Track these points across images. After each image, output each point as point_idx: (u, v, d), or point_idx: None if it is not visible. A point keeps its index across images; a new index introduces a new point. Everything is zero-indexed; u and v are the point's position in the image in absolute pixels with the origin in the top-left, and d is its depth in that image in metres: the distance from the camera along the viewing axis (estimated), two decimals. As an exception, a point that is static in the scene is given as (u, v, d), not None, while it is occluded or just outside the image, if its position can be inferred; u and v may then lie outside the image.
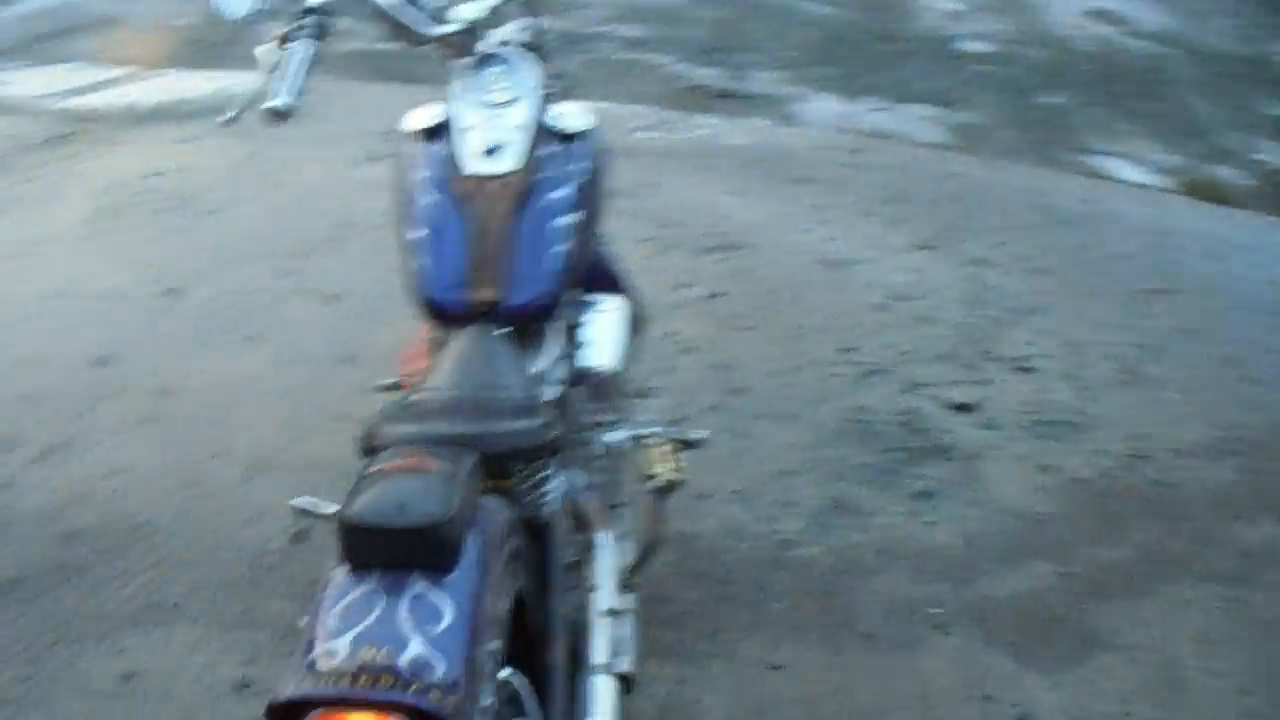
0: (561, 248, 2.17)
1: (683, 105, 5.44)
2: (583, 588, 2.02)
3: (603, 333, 2.30)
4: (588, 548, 2.08)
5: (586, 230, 2.23)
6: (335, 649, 1.39)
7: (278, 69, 1.96)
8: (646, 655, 2.49)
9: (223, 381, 3.40)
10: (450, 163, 2.22)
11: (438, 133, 2.26)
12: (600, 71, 5.82)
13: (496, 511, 1.73)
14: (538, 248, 2.17)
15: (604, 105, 5.29)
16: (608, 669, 1.87)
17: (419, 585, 1.46)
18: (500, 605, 1.58)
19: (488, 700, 1.46)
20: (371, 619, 1.42)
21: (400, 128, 2.31)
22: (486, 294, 2.14)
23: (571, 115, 2.27)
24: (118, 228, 4.38)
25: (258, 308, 3.81)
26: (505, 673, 1.59)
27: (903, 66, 6.20)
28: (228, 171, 4.79)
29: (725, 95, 5.58)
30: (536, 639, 1.83)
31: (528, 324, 2.16)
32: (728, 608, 2.64)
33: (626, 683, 2.19)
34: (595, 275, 2.80)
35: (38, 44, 6.48)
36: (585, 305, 2.37)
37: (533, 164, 2.21)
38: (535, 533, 1.94)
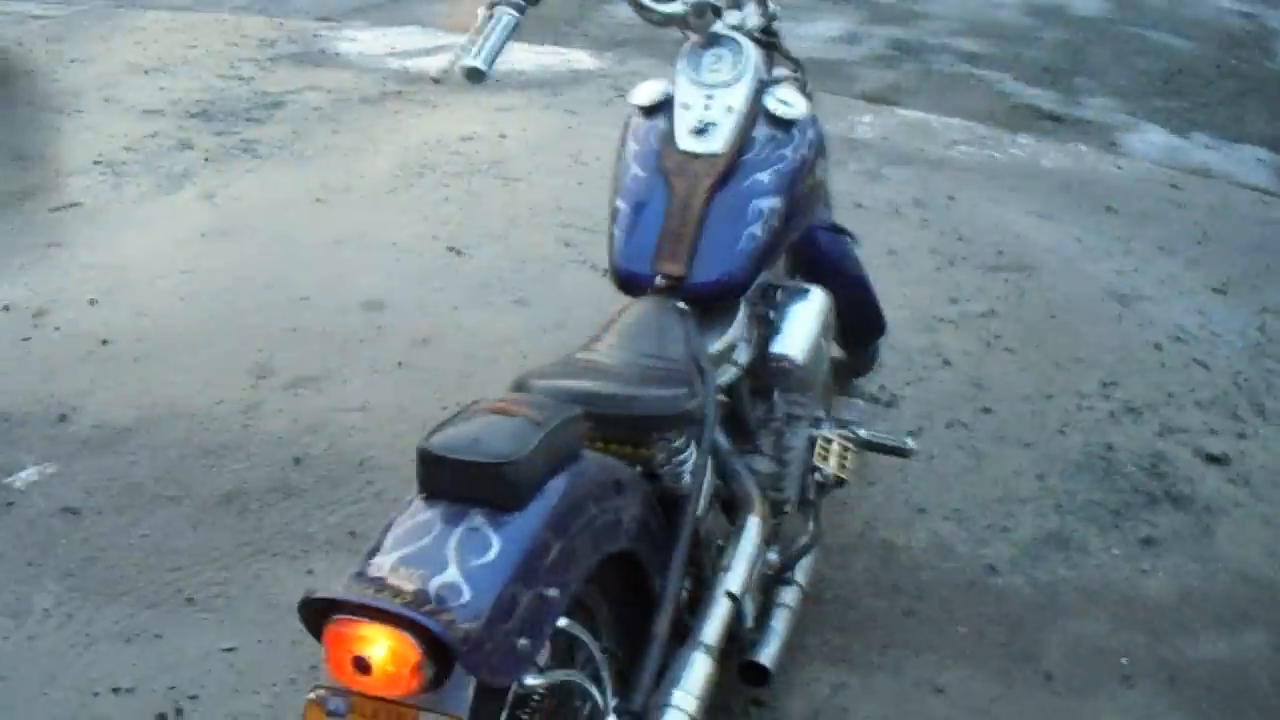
0: (755, 230, 2.20)
1: (1006, 123, 5.30)
2: (718, 568, 2.06)
3: (796, 323, 2.32)
4: (738, 531, 2.11)
5: (785, 216, 2.25)
6: (379, 564, 1.46)
7: (481, 32, 2.07)
8: (813, 657, 2.51)
9: (480, 339, 3.61)
10: (663, 138, 2.29)
11: (660, 108, 2.34)
12: (931, 83, 5.75)
13: (604, 470, 1.77)
14: (730, 228, 2.21)
15: (926, 116, 5.26)
16: (709, 649, 1.90)
17: (477, 519, 1.51)
18: (570, 555, 1.59)
19: (522, 640, 1.47)
20: (422, 543, 1.49)
21: (629, 101, 2.40)
22: (672, 268, 2.19)
23: (789, 102, 2.29)
24: (418, 185, 4.68)
25: (532, 275, 4.00)
26: (564, 623, 1.61)
27: (1243, 105, 5.83)
28: (537, 142, 5.04)
29: (1052, 118, 5.39)
30: (652, 607, 1.87)
31: (711, 302, 2.22)
32: (909, 623, 2.60)
33: (756, 674, 2.20)
34: (823, 267, 2.82)
35: (377, 8, 6.99)
36: (788, 293, 2.39)
37: (740, 146, 2.25)
38: (669, 503, 1.98)
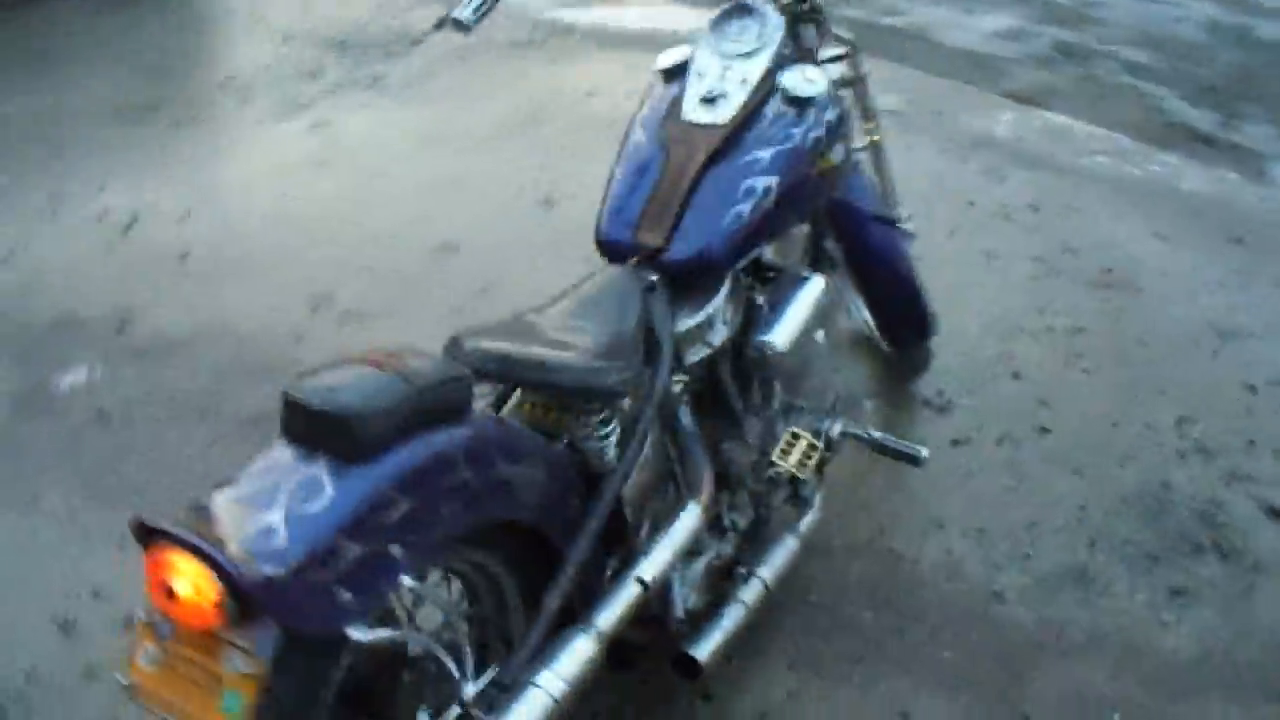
0: (742, 209, 2.07)
1: (1154, 140, 4.93)
2: (640, 550, 1.93)
3: (785, 310, 2.17)
4: (671, 516, 1.97)
5: (781, 198, 2.11)
6: (218, 497, 1.44)
7: None
8: (779, 659, 2.36)
9: (544, 292, 3.49)
10: (673, 104, 2.18)
11: (677, 73, 2.22)
12: (1086, 89, 5.40)
13: (493, 435, 1.70)
14: (716, 204, 2.08)
15: (1071, 122, 4.95)
16: (598, 633, 1.77)
17: (320, 468, 1.47)
18: (426, 516, 1.54)
19: (345, 594, 1.43)
20: (262, 484, 1.46)
21: (654, 65, 2.29)
22: (652, 239, 2.08)
23: (806, 80, 2.16)
24: (528, 135, 4.59)
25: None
26: (410, 583, 1.53)
27: None
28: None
29: (1205, 140, 4.99)
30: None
31: (688, 278, 2.08)
32: (892, 640, 2.43)
33: (689, 666, 2.08)
34: (870, 260, 2.67)
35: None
36: (785, 278, 2.24)
37: (745, 120, 2.12)
38: (589, 479, 1.88)
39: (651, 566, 1.87)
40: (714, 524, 2.21)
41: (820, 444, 2.21)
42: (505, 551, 1.81)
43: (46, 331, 3.48)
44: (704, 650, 2.09)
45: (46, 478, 2.94)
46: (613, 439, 1.90)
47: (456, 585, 1.89)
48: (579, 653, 1.73)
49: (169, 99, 4.97)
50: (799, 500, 2.29)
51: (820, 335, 2.25)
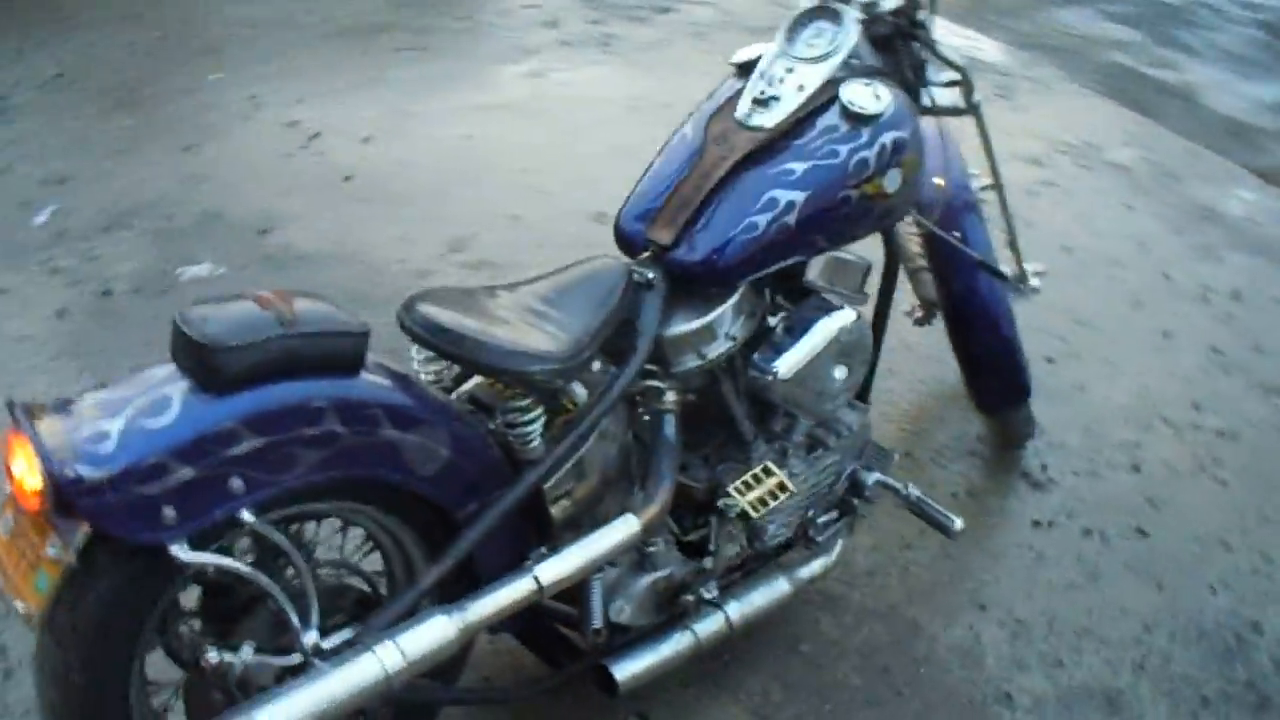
0: (758, 220, 1.94)
1: None
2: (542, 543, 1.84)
3: (796, 336, 2.01)
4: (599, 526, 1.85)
5: (807, 217, 1.96)
6: (89, 396, 1.54)
7: None
8: (738, 698, 2.21)
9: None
10: (728, 102, 2.06)
11: (748, 69, 2.08)
12: None
13: (390, 396, 1.67)
14: (735, 210, 1.96)
15: None
16: (461, 621, 1.67)
17: (176, 389, 1.52)
18: (276, 457, 1.56)
19: (168, 509, 1.47)
20: (123, 392, 1.53)
21: (730, 59, 2.16)
22: (662, 236, 1.98)
23: (871, 96, 2.00)
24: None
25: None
26: (251, 519, 1.54)
27: None
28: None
29: None
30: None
31: (691, 283, 1.94)
32: (866, 711, 2.22)
33: (608, 680, 1.98)
34: (971, 311, 2.61)
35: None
36: (811, 303, 2.07)
37: (792, 127, 1.97)
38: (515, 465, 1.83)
39: (552, 568, 1.76)
40: (687, 545, 2.08)
41: (790, 491, 2.03)
42: (406, 517, 1.77)
43: (194, 222, 3.60)
44: (625, 669, 1.96)
45: (146, 351, 3.03)
46: (536, 429, 1.80)
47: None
48: (432, 632, 1.64)
49: (400, 25, 5.08)
50: (756, 538, 2.11)
51: (841, 372, 2.07)
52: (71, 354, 3.02)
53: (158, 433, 1.47)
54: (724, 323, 1.98)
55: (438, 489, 1.73)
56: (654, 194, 1.99)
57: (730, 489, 1.99)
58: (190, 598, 1.72)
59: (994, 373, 2.67)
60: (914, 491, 2.31)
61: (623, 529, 1.84)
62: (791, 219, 1.93)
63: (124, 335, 3.09)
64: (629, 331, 1.90)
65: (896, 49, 2.17)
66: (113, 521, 1.45)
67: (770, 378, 1.98)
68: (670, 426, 1.97)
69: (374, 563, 1.88)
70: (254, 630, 1.67)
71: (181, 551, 1.50)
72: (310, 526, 1.78)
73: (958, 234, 2.43)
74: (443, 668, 1.80)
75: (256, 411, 1.53)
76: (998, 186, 2.47)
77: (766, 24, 5.22)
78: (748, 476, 2.02)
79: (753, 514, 1.98)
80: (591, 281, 1.90)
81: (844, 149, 1.96)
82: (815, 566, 2.24)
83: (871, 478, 2.27)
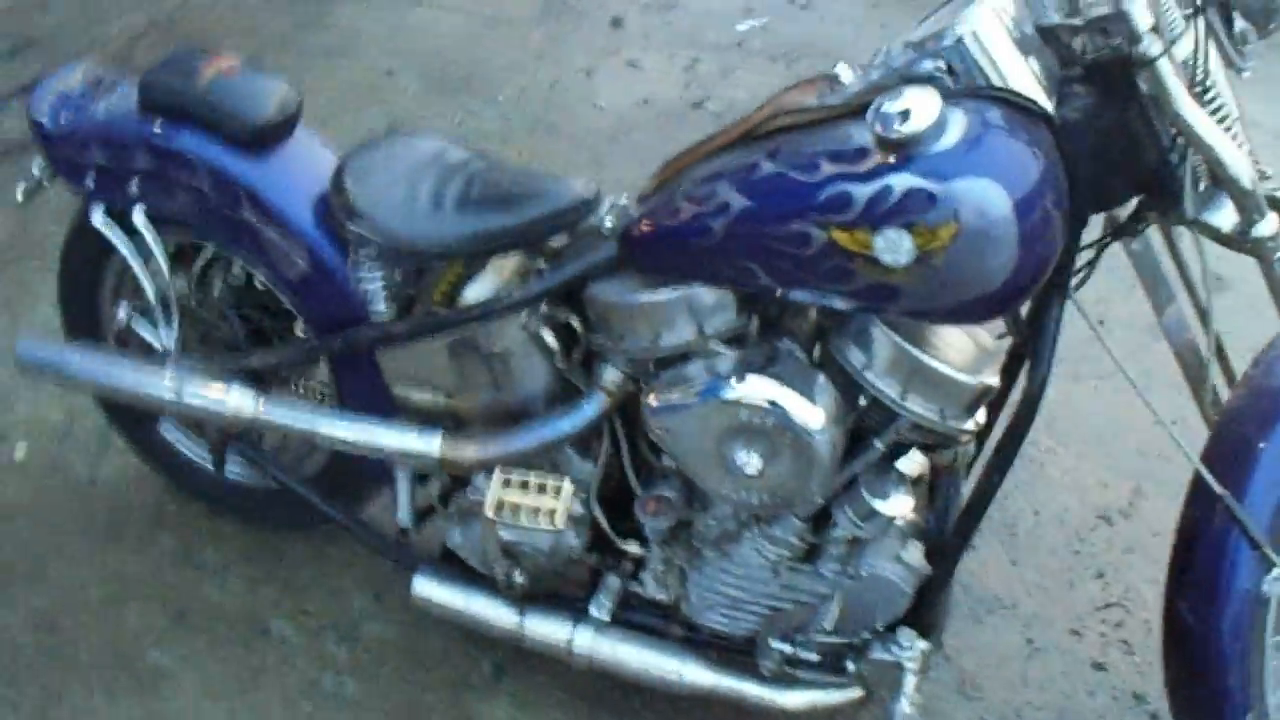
0: (689, 209, 1.59)
1: None
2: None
3: (701, 379, 1.71)
4: None
5: (737, 228, 1.55)
6: (93, 68, 2.13)
7: None
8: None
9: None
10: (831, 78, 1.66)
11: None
12: None
13: (254, 175, 1.92)
14: (684, 191, 1.62)
15: None
16: (258, 398, 2.03)
17: (129, 100, 1.99)
18: (155, 184, 1.98)
19: (89, 182, 2.03)
20: (109, 75, 2.11)
21: None
22: (648, 187, 1.74)
23: (903, 108, 1.42)
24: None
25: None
26: (142, 220, 2.00)
27: None
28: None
29: None
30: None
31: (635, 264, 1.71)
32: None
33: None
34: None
35: None
36: (784, 354, 1.70)
37: (819, 120, 1.57)
38: None
39: (341, 425, 1.96)
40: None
41: (558, 523, 1.83)
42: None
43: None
44: (425, 589, 2.03)
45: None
46: (377, 290, 1.87)
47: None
48: (234, 398, 2.00)
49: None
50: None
51: (749, 460, 1.66)
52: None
53: (97, 120, 1.98)
54: (655, 316, 1.68)
55: (296, 299, 1.98)
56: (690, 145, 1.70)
57: (502, 474, 1.84)
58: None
59: None
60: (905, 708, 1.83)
61: (420, 440, 1.88)
62: (719, 225, 1.55)
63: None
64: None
65: (1126, 110, 1.47)
66: (56, 164, 2.04)
67: (644, 401, 1.72)
68: (591, 401, 1.80)
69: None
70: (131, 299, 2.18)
71: (96, 216, 2.02)
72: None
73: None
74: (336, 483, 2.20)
75: (156, 143, 1.93)
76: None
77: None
78: (534, 477, 1.83)
79: (489, 513, 1.82)
80: (550, 190, 1.77)
81: (829, 167, 1.48)
82: (741, 686, 1.91)
83: (880, 651, 1.85)
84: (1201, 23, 1.45)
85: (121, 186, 1.98)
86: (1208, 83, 1.49)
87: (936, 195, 1.41)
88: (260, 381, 2.07)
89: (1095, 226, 1.63)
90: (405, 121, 3.73)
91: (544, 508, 1.82)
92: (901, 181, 1.42)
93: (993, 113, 1.44)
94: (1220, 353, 1.84)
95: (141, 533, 2.46)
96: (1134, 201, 1.60)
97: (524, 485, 1.84)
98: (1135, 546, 2.45)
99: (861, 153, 1.46)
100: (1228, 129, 1.51)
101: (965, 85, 1.46)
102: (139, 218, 1.99)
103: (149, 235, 2.00)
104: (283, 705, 2.16)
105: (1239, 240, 1.54)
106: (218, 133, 1.90)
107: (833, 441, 1.62)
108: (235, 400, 2.00)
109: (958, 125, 1.43)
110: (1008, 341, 1.76)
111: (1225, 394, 1.78)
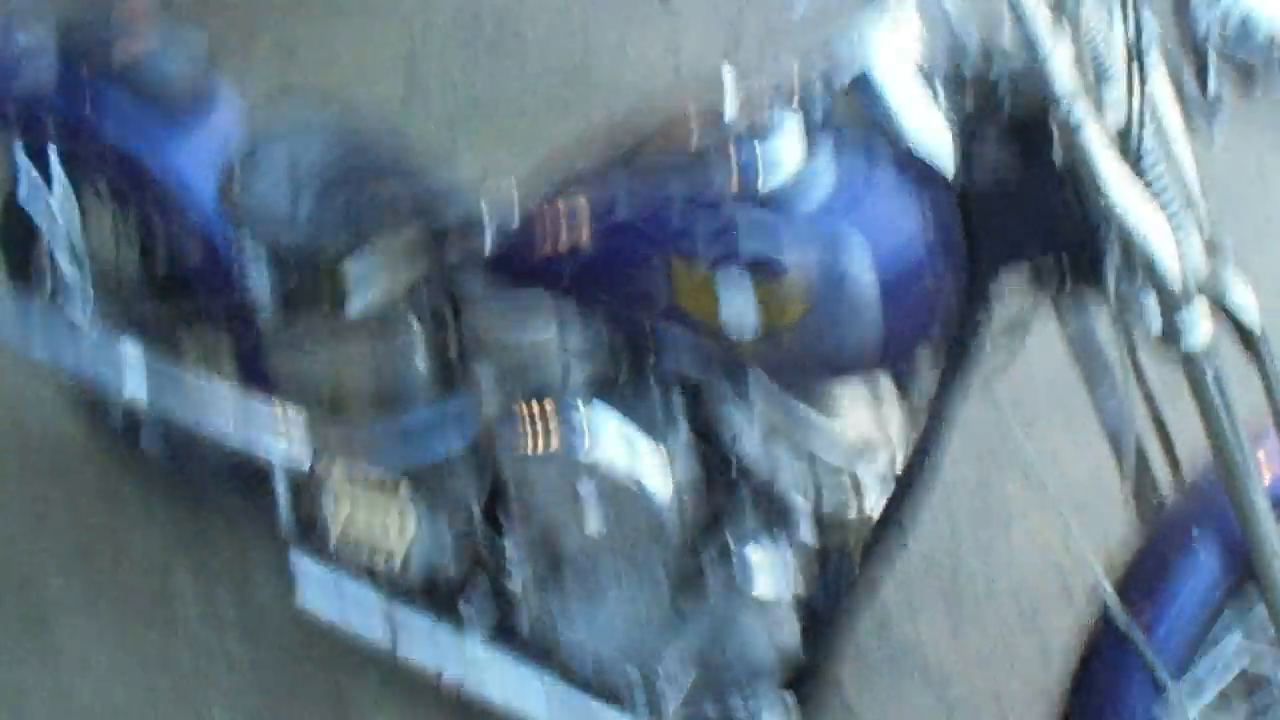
0: (575, 251, 1.43)
1: None
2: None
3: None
4: None
5: (581, 241, 1.42)
6: None
7: None
8: None
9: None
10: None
11: None
12: None
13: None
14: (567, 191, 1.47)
15: None
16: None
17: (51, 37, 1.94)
18: (66, 121, 1.93)
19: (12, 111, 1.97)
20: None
21: None
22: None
23: (777, 156, 1.25)
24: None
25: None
26: (56, 162, 1.97)
27: None
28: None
29: None
30: None
31: None
32: None
33: None
34: None
35: None
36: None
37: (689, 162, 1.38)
38: None
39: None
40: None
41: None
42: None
43: None
44: (307, 575, 1.91)
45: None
46: (264, 289, 1.77)
47: None
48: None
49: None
50: None
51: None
52: None
53: (13, 61, 1.92)
54: (513, 352, 1.56)
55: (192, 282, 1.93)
56: None
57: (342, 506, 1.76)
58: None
59: None
60: None
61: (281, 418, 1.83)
62: (565, 237, 1.40)
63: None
64: None
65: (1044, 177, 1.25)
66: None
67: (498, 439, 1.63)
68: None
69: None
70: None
71: (17, 153, 1.99)
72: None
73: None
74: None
75: (68, 97, 1.89)
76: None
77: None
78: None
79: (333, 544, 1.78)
80: (429, 199, 1.67)
81: (684, 194, 1.32)
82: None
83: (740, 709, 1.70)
84: (1149, 80, 1.21)
85: (38, 125, 1.95)
86: (1152, 158, 1.25)
87: (786, 265, 1.24)
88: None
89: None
90: (423, 74, 3.58)
91: (384, 549, 1.77)
92: (753, 244, 1.26)
93: (877, 171, 1.26)
94: (1170, 455, 1.59)
95: (67, 462, 2.42)
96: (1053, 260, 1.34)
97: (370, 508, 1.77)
98: (1092, 630, 2.21)
99: (715, 205, 1.29)
100: (1171, 215, 1.26)
101: (855, 130, 1.27)
102: (53, 158, 1.97)
103: (59, 178, 1.98)
104: (164, 656, 2.13)
105: (1166, 347, 1.30)
106: (130, 101, 1.88)
107: (682, 518, 1.50)
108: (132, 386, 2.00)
109: (824, 181, 1.25)
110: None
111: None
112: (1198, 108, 1.27)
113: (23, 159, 2.01)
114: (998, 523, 2.33)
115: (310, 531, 1.95)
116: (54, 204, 2.02)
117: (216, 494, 2.33)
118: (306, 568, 1.94)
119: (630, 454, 1.45)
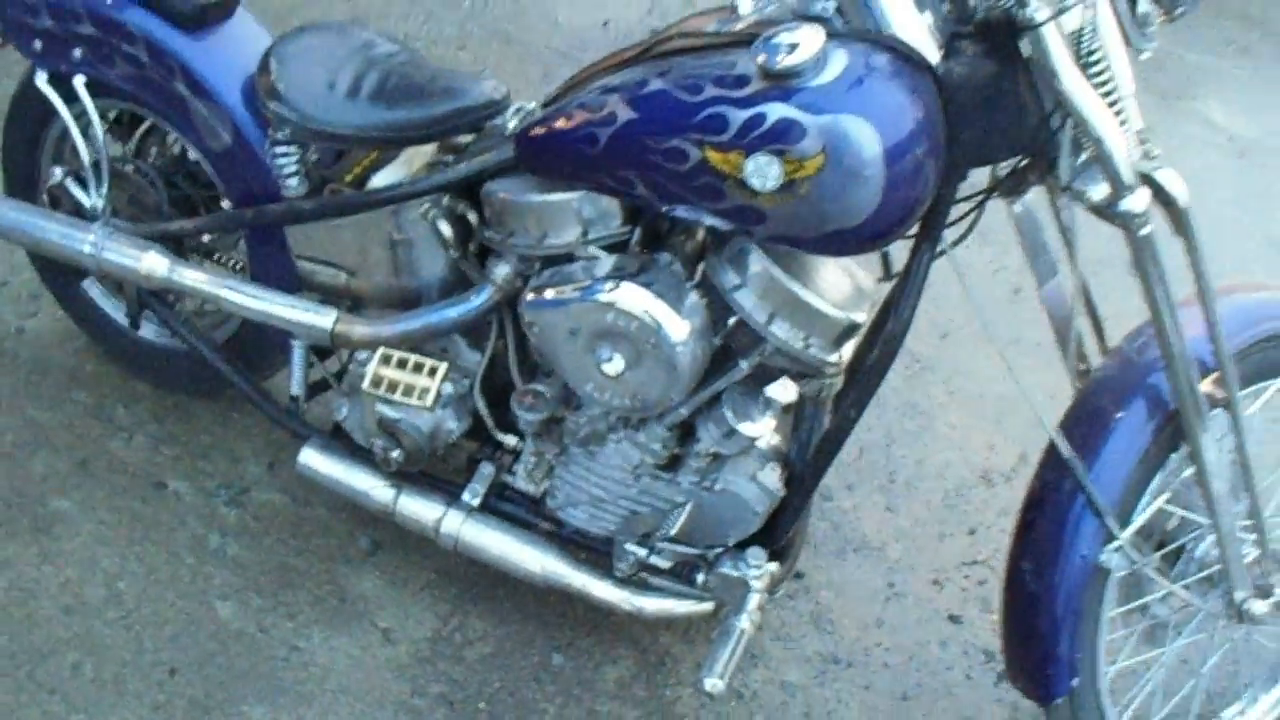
0: (579, 115, 1.60)
1: None
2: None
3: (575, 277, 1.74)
4: None
5: (619, 139, 1.57)
6: None
7: None
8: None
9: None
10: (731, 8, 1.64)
11: None
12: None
13: (180, 50, 1.98)
14: (580, 98, 1.63)
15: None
16: (170, 258, 2.08)
17: None
18: (98, 52, 2.03)
19: (38, 45, 2.07)
20: None
21: None
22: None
23: (795, 41, 1.44)
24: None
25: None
26: (82, 88, 2.07)
27: None
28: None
29: None
30: None
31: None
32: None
33: None
34: None
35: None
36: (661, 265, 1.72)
37: (713, 44, 1.56)
38: None
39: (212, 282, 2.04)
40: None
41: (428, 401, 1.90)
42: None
43: None
44: (311, 461, 2.07)
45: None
46: (289, 165, 1.91)
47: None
48: (148, 259, 2.05)
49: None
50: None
51: (610, 359, 1.70)
52: None
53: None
54: (543, 217, 1.70)
55: (218, 170, 2.05)
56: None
57: (385, 352, 1.90)
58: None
59: None
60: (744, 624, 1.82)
61: (315, 316, 1.94)
62: (604, 135, 1.56)
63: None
64: None
65: (1010, 71, 1.48)
66: (6, 27, 2.07)
67: (522, 295, 1.75)
68: (480, 293, 1.84)
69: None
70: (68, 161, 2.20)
71: (40, 79, 2.08)
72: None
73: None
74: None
75: (100, 13, 1.97)
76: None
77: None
78: (415, 358, 1.89)
79: (366, 386, 1.89)
80: (456, 89, 1.83)
81: (711, 89, 1.48)
82: (593, 584, 1.93)
83: (729, 566, 1.85)
84: None
85: (66, 53, 2.03)
86: (1096, 55, 1.48)
87: (807, 127, 1.43)
88: (180, 249, 2.15)
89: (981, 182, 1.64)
90: (366, 20, 3.67)
91: (419, 385, 1.87)
92: (776, 111, 1.44)
93: (876, 57, 1.45)
94: (1097, 327, 1.84)
95: (59, 385, 2.47)
96: (1015, 161, 1.60)
97: (403, 364, 1.90)
98: (1010, 510, 2.39)
99: (743, 79, 1.47)
100: (1112, 104, 1.49)
101: (853, 28, 1.47)
102: (79, 85, 2.05)
103: (87, 102, 2.06)
104: (168, 557, 2.19)
105: (1108, 213, 1.53)
106: (160, 8, 1.96)
107: (694, 354, 1.65)
108: (149, 262, 2.05)
109: (838, 63, 1.44)
110: (887, 286, 1.76)
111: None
112: (1129, 23, 1.51)
113: (47, 87, 2.08)
114: (924, 416, 2.58)
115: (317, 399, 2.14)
116: (78, 112, 2.08)
117: (206, 406, 2.44)
118: (314, 439, 2.09)
119: (642, 299, 1.63)
